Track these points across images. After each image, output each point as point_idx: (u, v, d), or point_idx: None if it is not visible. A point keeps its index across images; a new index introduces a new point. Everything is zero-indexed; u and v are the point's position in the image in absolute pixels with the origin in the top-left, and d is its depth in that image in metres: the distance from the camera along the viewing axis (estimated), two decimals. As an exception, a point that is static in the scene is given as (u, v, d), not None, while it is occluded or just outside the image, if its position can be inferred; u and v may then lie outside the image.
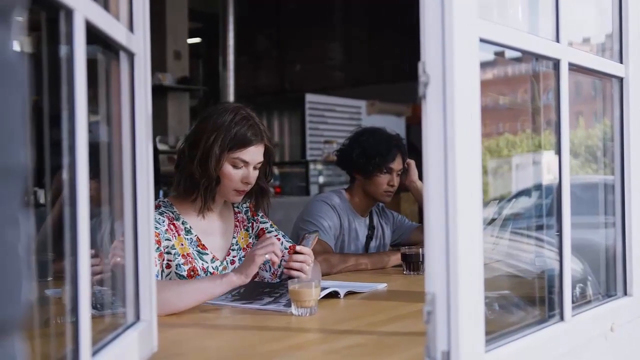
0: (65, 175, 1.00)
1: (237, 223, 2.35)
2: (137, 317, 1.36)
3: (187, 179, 2.17)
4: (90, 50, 1.06)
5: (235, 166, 2.16)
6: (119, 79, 1.34)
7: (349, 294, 2.14)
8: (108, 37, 1.19)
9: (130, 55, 1.34)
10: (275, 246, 1.99)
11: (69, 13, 0.99)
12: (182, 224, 2.19)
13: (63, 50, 1.01)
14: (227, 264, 2.26)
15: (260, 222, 2.40)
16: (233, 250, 2.30)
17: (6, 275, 0.56)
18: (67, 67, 1.00)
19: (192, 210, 2.22)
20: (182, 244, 2.15)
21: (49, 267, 1.34)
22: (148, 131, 1.38)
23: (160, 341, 1.43)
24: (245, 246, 2.33)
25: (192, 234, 2.19)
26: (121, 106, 1.34)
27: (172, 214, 2.19)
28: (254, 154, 2.17)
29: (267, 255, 1.96)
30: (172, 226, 2.15)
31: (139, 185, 1.36)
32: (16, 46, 0.61)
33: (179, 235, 2.16)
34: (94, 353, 1.09)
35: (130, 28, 1.34)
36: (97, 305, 1.33)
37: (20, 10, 0.62)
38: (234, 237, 2.31)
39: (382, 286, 2.32)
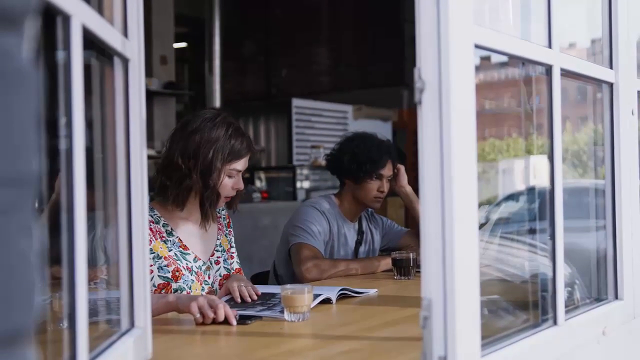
0: (62, 181, 0.99)
1: (220, 226, 2.42)
2: (132, 324, 1.35)
3: (185, 191, 2.20)
4: (84, 56, 1.06)
5: (229, 176, 2.24)
6: (113, 85, 1.33)
7: (342, 297, 2.15)
8: (104, 43, 1.18)
9: (125, 61, 1.33)
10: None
11: (66, 19, 0.99)
12: (163, 226, 2.24)
13: (60, 55, 1.01)
14: (211, 263, 2.32)
15: (232, 235, 2.48)
16: (217, 251, 2.36)
17: (20, 284, 0.56)
18: (64, 73, 1.00)
19: (176, 213, 2.27)
20: (161, 247, 2.19)
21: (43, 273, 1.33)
22: (142, 137, 1.37)
23: (155, 348, 1.42)
24: (226, 249, 2.41)
25: (173, 235, 2.24)
26: (115, 111, 1.33)
27: (152, 217, 2.22)
28: (246, 162, 2.28)
29: (197, 315, 1.81)
30: (149, 230, 2.17)
31: (133, 191, 1.35)
32: (28, 53, 0.60)
33: (156, 239, 2.19)
34: (90, 360, 1.08)
35: (125, 34, 1.33)
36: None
37: (33, 17, 0.62)
38: (218, 239, 2.38)
39: (373, 292, 2.32)
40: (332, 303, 2.08)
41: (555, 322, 1.51)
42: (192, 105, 8.80)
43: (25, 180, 0.58)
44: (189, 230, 2.29)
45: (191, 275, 2.21)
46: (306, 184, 7.44)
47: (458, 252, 1.15)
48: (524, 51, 1.47)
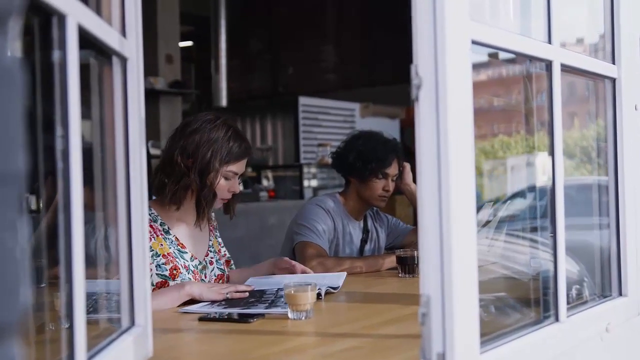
0: (59, 181, 1.00)
1: (212, 228, 2.47)
2: (132, 322, 1.36)
3: (183, 189, 2.24)
4: (82, 55, 1.06)
5: (226, 178, 2.29)
6: (112, 84, 1.33)
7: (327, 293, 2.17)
8: (101, 42, 1.19)
9: (123, 60, 1.33)
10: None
11: (62, 18, 0.99)
12: (160, 225, 2.28)
13: (56, 55, 1.01)
14: (206, 263, 2.37)
15: (219, 237, 2.52)
16: (211, 251, 2.41)
17: (5, 280, 0.56)
18: (60, 72, 1.00)
19: (172, 213, 2.30)
20: (161, 245, 2.24)
21: (44, 273, 1.33)
22: (141, 136, 1.37)
23: (155, 346, 1.43)
24: (217, 250, 2.45)
25: (170, 234, 2.28)
26: (114, 111, 1.34)
27: (150, 216, 2.25)
28: (242, 165, 2.33)
29: (228, 295, 2.09)
30: (149, 228, 2.20)
31: (132, 190, 1.36)
32: (13, 51, 0.61)
33: (157, 236, 2.24)
34: (89, 358, 1.09)
35: (123, 33, 1.33)
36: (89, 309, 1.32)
37: (17, 16, 0.62)
38: (210, 240, 2.43)
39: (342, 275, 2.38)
40: (321, 299, 2.09)
41: (557, 319, 1.51)
42: (198, 104, 8.82)
43: (11, 177, 0.59)
44: (184, 230, 2.33)
45: (188, 273, 2.26)
46: (313, 183, 7.44)
47: (456, 248, 1.15)
48: (523, 47, 1.46)
